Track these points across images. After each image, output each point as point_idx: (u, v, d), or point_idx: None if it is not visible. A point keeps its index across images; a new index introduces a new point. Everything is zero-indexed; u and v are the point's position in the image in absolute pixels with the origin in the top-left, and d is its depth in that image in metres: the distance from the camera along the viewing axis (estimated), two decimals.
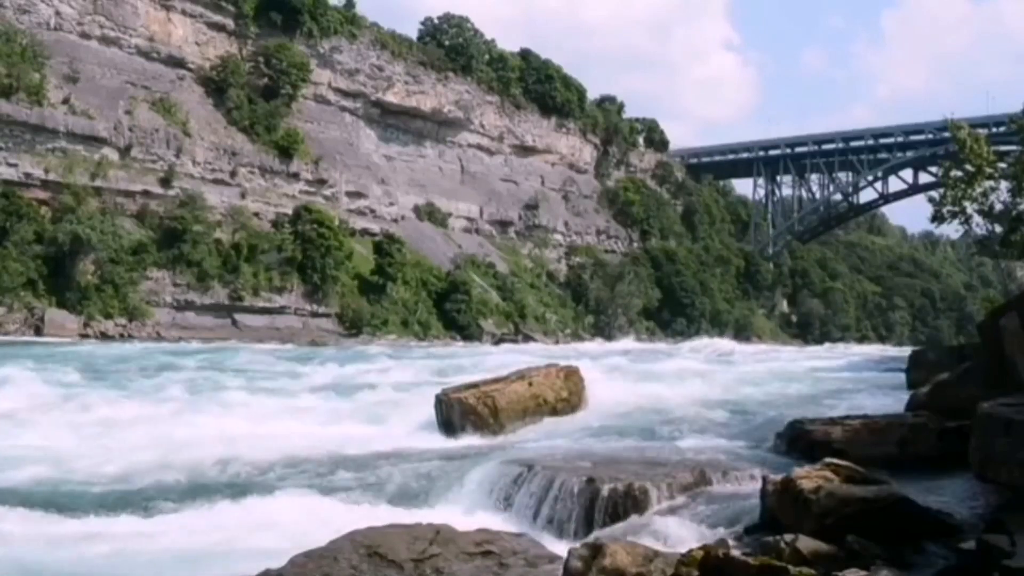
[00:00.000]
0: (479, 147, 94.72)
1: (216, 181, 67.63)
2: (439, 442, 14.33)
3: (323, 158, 77.00)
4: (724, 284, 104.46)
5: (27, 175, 56.47)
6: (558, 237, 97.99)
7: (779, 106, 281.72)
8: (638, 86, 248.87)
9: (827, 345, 75.68)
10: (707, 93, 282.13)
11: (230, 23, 74.44)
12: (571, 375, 16.93)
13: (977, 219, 28.68)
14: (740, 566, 5.90)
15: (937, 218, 29.60)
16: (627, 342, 69.46)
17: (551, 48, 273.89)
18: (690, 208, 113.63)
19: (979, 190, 27.66)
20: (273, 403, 19.20)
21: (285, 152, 73.22)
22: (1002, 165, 29.11)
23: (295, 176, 73.94)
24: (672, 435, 14.00)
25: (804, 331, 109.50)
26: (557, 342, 73.59)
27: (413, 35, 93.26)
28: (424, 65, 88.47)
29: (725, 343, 58.01)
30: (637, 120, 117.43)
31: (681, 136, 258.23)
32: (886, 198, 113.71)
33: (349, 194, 79.14)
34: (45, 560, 8.41)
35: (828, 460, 8.02)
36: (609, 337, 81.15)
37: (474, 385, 16.09)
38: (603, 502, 8.91)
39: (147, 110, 65.70)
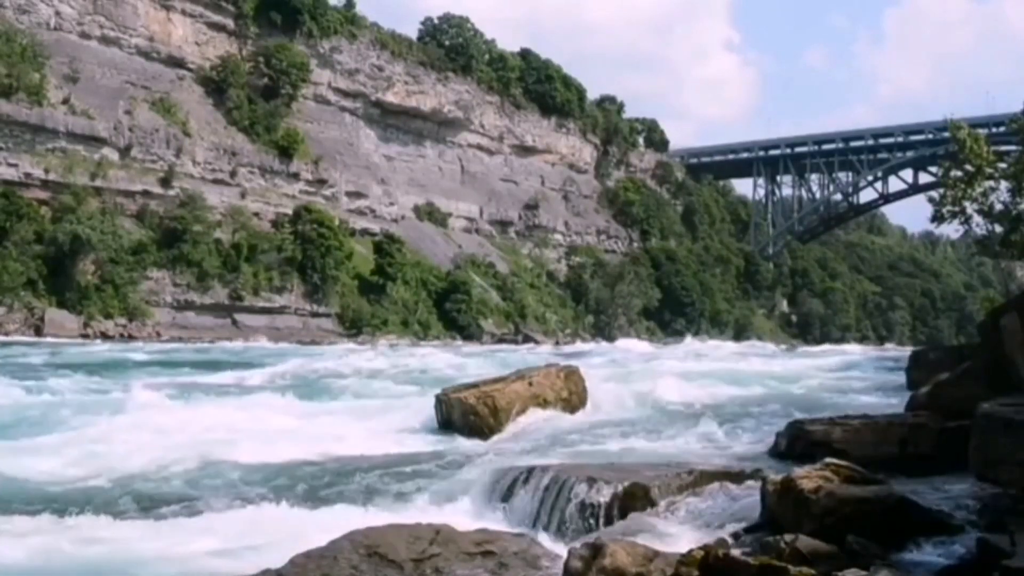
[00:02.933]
0: (479, 147, 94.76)
1: (216, 181, 67.65)
2: (439, 442, 14.32)
3: (323, 158, 77.02)
4: (724, 284, 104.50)
5: (27, 175, 56.51)
6: (558, 237, 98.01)
7: (779, 106, 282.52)
8: (639, 86, 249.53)
9: (826, 346, 75.77)
10: (707, 93, 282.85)
11: (230, 23, 74.52)
12: (571, 375, 16.93)
13: (977, 219, 28.64)
14: (740, 566, 5.89)
15: (937, 218, 29.55)
16: (628, 342, 69.44)
17: (551, 48, 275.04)
18: (690, 208, 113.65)
19: (979, 190, 27.62)
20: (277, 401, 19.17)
21: (285, 152, 73.25)
22: (1002, 165, 29.07)
23: (295, 176, 73.95)
24: (672, 435, 14.01)
25: (804, 331, 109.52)
26: (557, 343, 73.57)
27: (413, 35, 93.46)
28: (424, 65, 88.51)
29: (697, 344, 60.02)
30: (637, 120, 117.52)
31: (681, 136, 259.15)
32: (886, 198, 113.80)
33: (349, 194, 79.16)
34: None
35: (828, 460, 8.01)
36: (609, 337, 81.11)
37: (474, 385, 16.10)
38: (603, 502, 8.90)
39: (147, 110, 65.73)
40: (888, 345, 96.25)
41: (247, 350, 42.47)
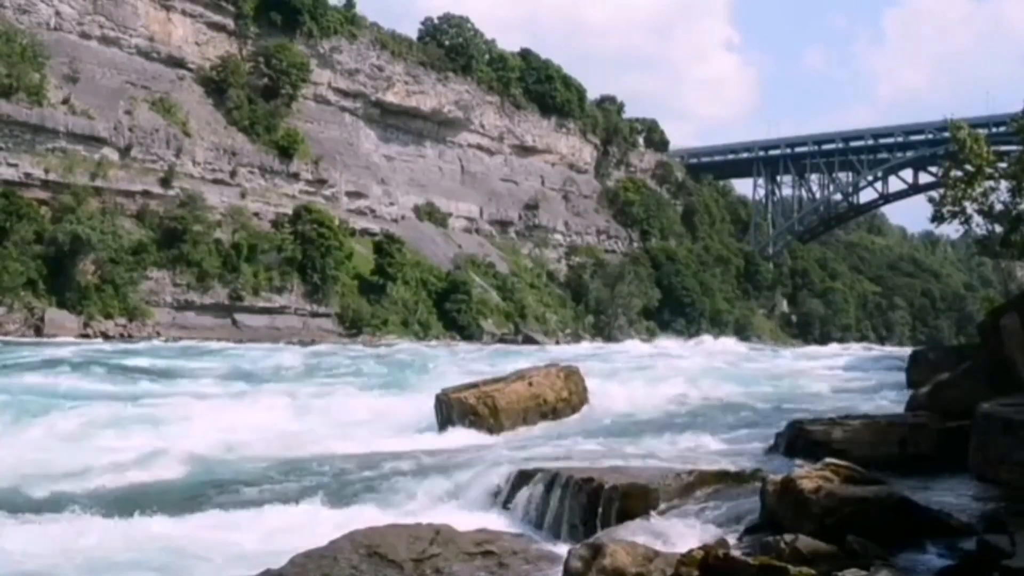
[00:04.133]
0: (479, 147, 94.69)
1: (216, 181, 67.59)
2: (439, 442, 14.33)
3: (323, 158, 76.97)
4: (724, 284, 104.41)
5: (27, 175, 56.40)
6: (558, 237, 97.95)
7: (779, 106, 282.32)
8: (639, 86, 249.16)
9: (809, 348, 75.52)
10: (708, 93, 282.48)
11: (230, 23, 74.43)
12: (571, 375, 16.95)
13: (977, 219, 28.62)
14: (740, 566, 5.89)
15: (937, 218, 29.55)
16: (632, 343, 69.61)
17: (551, 48, 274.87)
18: (690, 208, 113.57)
19: (979, 190, 27.60)
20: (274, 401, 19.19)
21: (285, 152, 73.19)
22: (1002, 165, 29.06)
23: (295, 176, 73.91)
24: (672, 435, 14.02)
25: (804, 331, 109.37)
26: (557, 342, 73.55)
27: (413, 35, 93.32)
28: (424, 65, 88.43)
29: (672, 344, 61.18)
30: (637, 120, 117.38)
31: (681, 136, 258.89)
32: (886, 198, 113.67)
33: (349, 194, 79.12)
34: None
35: (828, 460, 8.01)
36: (609, 337, 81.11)
37: (474, 385, 16.12)
38: (603, 502, 8.89)
39: (147, 110, 65.66)
40: (870, 344, 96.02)
41: (218, 351, 40.60)
